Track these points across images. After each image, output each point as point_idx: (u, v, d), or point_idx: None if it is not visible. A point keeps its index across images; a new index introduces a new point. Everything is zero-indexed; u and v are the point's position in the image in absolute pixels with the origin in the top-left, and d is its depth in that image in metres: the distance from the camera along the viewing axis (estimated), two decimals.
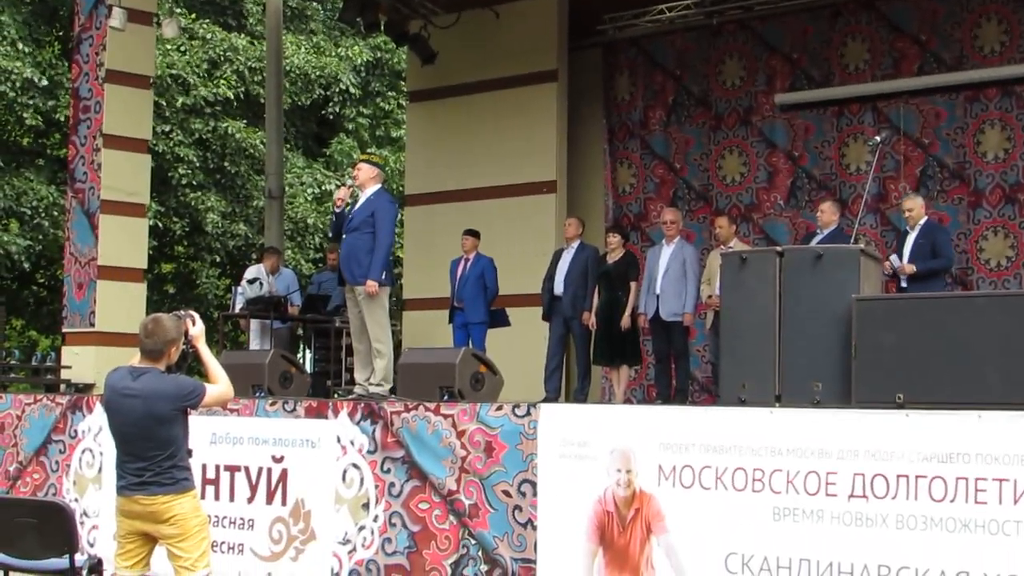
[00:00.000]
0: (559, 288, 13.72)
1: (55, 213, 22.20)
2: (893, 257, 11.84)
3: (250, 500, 10.24)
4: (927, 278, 11.56)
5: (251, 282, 15.89)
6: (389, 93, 28.48)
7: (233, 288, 16.70)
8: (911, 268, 11.56)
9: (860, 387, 8.02)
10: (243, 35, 26.65)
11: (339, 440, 9.74)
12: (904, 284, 11.63)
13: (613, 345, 13.44)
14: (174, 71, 24.56)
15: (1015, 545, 6.93)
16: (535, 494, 8.74)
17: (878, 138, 11.85)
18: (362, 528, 9.58)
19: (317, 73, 26.94)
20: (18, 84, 21.88)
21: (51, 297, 25.92)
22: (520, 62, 16.50)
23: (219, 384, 7.28)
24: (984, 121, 14.44)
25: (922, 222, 11.89)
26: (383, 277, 11.04)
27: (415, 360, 11.06)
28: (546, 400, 12.57)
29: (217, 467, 10.45)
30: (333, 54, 27.67)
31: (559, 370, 13.84)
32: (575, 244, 13.88)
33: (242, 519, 10.25)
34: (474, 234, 14.60)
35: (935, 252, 11.70)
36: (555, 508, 8.64)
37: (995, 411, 7.15)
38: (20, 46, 22.08)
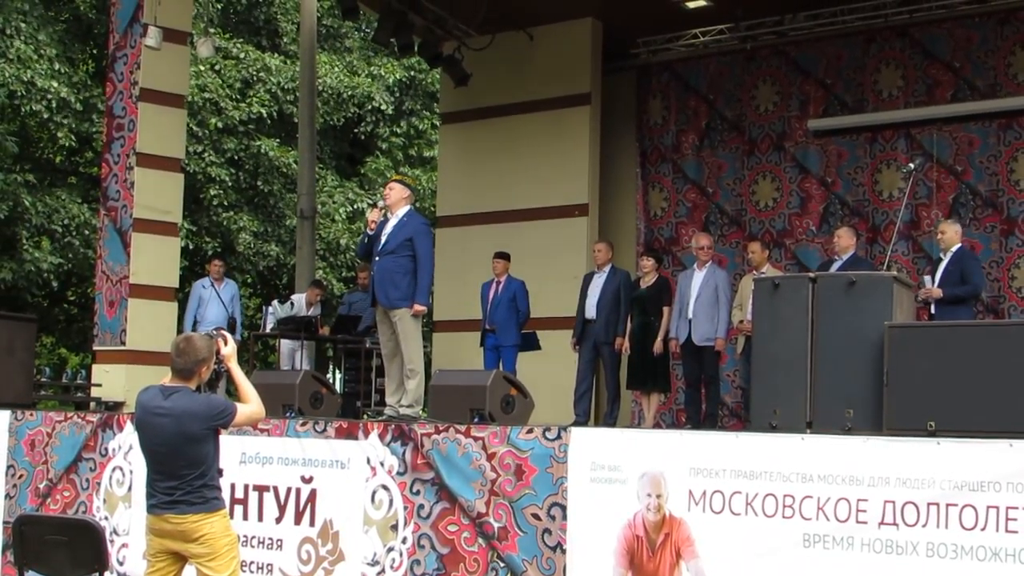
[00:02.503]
0: (591, 312, 13.66)
1: (86, 232, 22.25)
2: (926, 279, 11.82)
3: (279, 520, 10.23)
4: (954, 304, 11.52)
5: (283, 301, 15.91)
6: (423, 112, 28.55)
7: (264, 308, 16.71)
8: (938, 292, 11.52)
9: (892, 414, 7.96)
10: (277, 55, 26.75)
11: (369, 461, 9.73)
12: (933, 310, 11.60)
13: (646, 370, 13.43)
14: (207, 93, 24.65)
15: None
16: (565, 517, 8.71)
17: (912, 165, 11.83)
18: (391, 549, 9.56)
19: (350, 93, 27.02)
20: (53, 104, 21.98)
21: (82, 314, 25.99)
22: (553, 85, 16.56)
23: (250, 404, 7.28)
24: (1017, 149, 14.41)
25: (954, 249, 11.80)
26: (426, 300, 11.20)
27: (446, 382, 11.06)
28: (576, 423, 12.56)
29: (246, 487, 10.44)
30: (366, 72, 27.75)
31: (588, 393, 13.80)
32: (606, 268, 13.84)
33: (271, 539, 10.24)
34: (505, 257, 14.56)
35: (964, 279, 11.66)
36: (585, 532, 8.61)
37: None
38: (57, 66, 22.16)
